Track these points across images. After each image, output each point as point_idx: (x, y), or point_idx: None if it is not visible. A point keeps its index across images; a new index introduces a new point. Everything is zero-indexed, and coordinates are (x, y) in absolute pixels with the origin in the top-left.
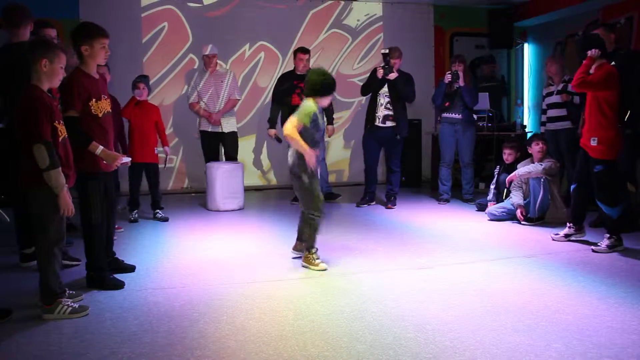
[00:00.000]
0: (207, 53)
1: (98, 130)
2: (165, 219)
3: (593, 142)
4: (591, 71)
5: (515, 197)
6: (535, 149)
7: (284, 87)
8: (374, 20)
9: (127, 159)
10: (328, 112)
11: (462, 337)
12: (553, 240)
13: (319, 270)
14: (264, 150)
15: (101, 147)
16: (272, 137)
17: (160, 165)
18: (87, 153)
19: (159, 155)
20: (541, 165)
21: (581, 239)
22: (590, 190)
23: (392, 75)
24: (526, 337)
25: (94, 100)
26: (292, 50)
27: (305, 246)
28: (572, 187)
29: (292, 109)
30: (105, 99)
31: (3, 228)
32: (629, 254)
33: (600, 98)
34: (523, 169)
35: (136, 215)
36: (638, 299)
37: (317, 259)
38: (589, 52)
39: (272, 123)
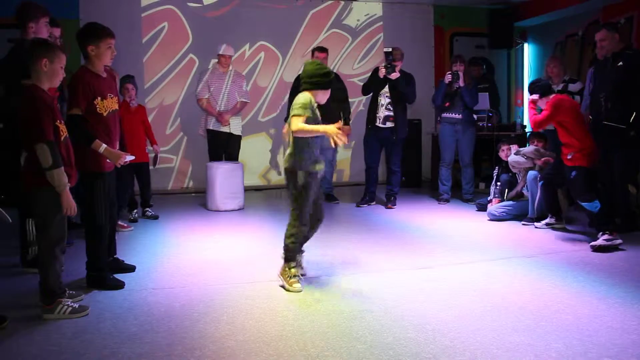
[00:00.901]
0: (230, 54)
1: (102, 128)
2: (155, 217)
3: (569, 156)
4: (543, 107)
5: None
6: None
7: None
8: (374, 20)
9: (130, 157)
10: (345, 111)
11: (462, 337)
12: (536, 227)
13: (294, 291)
14: (264, 150)
15: (104, 146)
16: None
17: (150, 167)
18: (91, 152)
19: (149, 154)
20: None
21: (559, 227)
22: (554, 188)
23: (394, 75)
24: (526, 337)
25: (99, 98)
26: (292, 50)
27: (283, 255)
28: (540, 184)
29: None
30: (112, 98)
31: (3, 228)
32: (629, 254)
33: (562, 123)
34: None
35: (136, 215)
36: (638, 299)
37: (293, 276)
38: (530, 98)
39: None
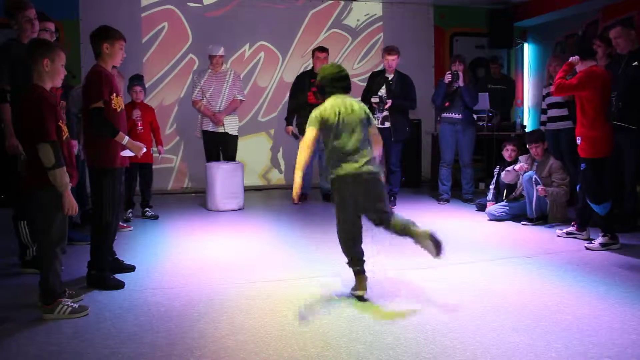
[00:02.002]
0: (219, 54)
1: (116, 124)
2: (155, 217)
3: (578, 141)
4: (578, 70)
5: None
6: (537, 151)
7: (301, 85)
8: (374, 20)
9: (145, 149)
10: None
11: (462, 337)
12: (558, 236)
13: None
14: (264, 150)
15: (127, 137)
16: (289, 134)
17: (154, 166)
18: (104, 148)
19: (153, 154)
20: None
21: (582, 238)
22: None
23: (388, 104)
24: (526, 337)
25: (114, 95)
26: (292, 50)
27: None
28: (578, 187)
29: (310, 106)
30: (120, 97)
31: (4, 230)
32: (628, 254)
33: (582, 98)
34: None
35: (130, 215)
36: (638, 299)
37: None
38: (570, 59)
39: (289, 121)
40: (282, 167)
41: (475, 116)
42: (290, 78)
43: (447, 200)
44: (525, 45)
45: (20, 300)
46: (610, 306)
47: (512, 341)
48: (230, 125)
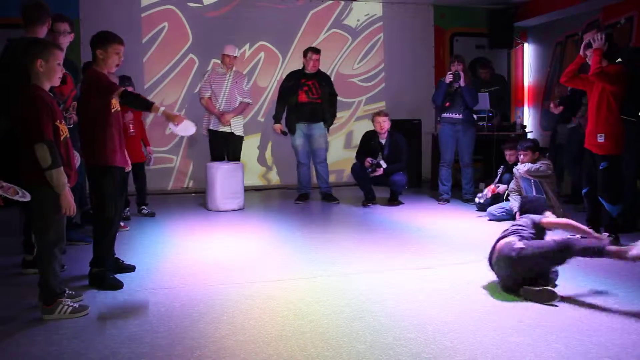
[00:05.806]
0: (234, 54)
1: (114, 125)
2: (152, 214)
3: (600, 139)
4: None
5: (515, 203)
6: (524, 159)
7: (291, 84)
8: (374, 20)
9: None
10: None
11: (462, 337)
12: None
13: None
14: (265, 150)
15: (162, 108)
16: (278, 132)
17: (154, 167)
18: (103, 147)
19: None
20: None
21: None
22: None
23: (378, 172)
24: (526, 337)
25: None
26: (292, 50)
27: None
28: (584, 191)
29: (298, 106)
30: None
31: (5, 229)
32: None
33: (609, 93)
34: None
35: (128, 213)
36: (638, 299)
37: None
38: (595, 44)
39: (277, 119)
40: (282, 167)
41: (475, 116)
42: None
43: (447, 201)
44: (525, 45)
45: (20, 300)
46: (610, 306)
47: (512, 341)
48: (236, 126)
